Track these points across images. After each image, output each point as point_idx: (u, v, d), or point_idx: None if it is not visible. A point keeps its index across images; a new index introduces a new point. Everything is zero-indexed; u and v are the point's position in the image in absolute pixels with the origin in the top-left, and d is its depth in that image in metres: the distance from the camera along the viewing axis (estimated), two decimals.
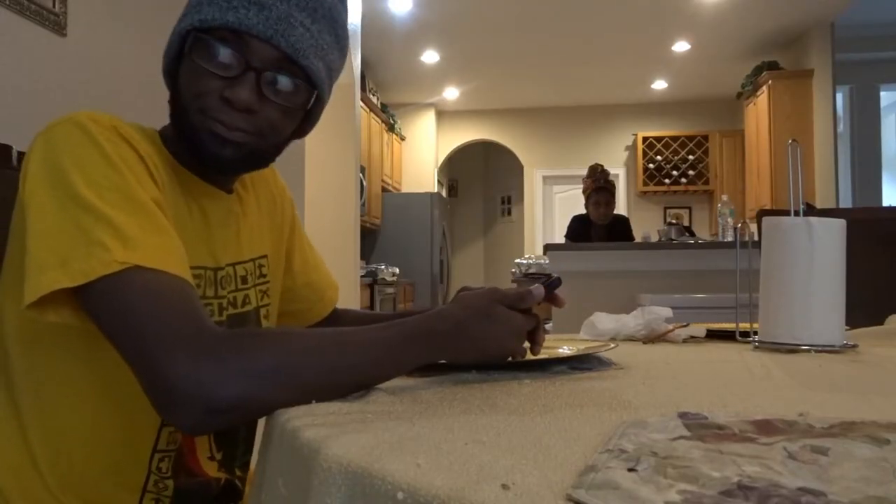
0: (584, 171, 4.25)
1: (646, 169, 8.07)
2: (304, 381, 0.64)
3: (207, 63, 0.78)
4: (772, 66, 6.17)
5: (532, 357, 0.81)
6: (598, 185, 4.09)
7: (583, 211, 4.24)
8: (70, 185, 0.68)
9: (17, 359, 0.77)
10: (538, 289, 0.77)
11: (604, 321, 1.20)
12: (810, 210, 2.83)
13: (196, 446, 0.85)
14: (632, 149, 8.29)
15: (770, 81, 6.00)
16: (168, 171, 0.81)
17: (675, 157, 8.01)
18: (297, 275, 1.05)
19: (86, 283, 0.64)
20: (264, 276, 0.96)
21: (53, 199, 0.68)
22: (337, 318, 1.12)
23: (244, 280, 0.91)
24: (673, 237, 4.16)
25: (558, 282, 0.82)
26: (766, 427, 0.48)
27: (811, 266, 1.01)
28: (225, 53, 0.77)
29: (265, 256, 0.96)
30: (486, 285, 1.01)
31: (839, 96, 6.46)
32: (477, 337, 0.71)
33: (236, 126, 0.79)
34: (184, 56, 0.80)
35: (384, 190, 7.18)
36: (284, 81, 0.80)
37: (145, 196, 0.71)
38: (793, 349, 1.01)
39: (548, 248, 3.59)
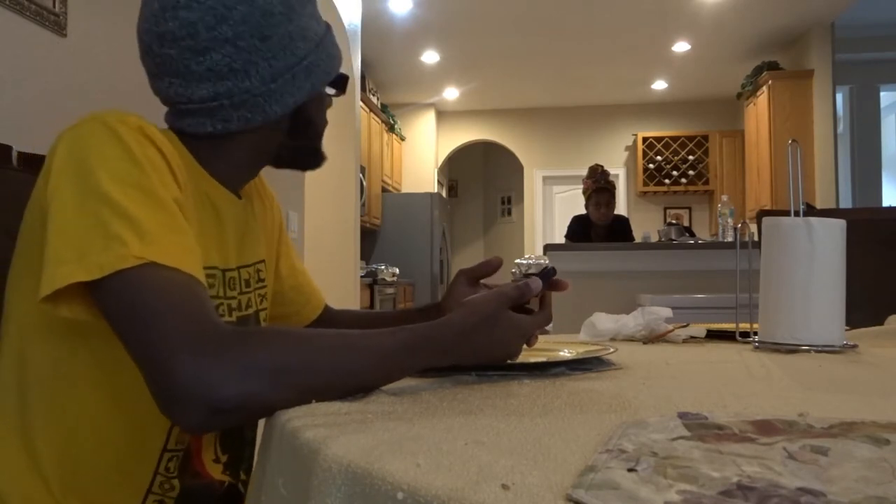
0: (585, 172, 4.25)
1: (646, 169, 8.06)
2: (309, 381, 0.64)
3: (339, 98, 0.98)
4: (772, 66, 6.17)
5: (532, 360, 0.81)
6: (599, 185, 4.08)
7: (583, 211, 4.24)
8: (94, 180, 0.68)
9: (26, 358, 0.77)
10: (535, 281, 0.78)
11: (604, 321, 1.20)
12: (810, 210, 2.83)
13: (202, 447, 0.85)
14: (632, 149, 8.29)
15: (770, 82, 6.00)
16: (188, 172, 0.82)
17: (675, 158, 8.01)
18: (285, 278, 1.07)
19: (100, 278, 0.64)
20: (262, 280, 0.97)
21: (76, 194, 0.68)
22: (332, 318, 1.13)
23: (247, 283, 0.93)
24: (673, 237, 4.16)
25: (553, 271, 0.82)
26: (766, 427, 0.48)
27: (811, 266, 1.01)
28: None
29: (262, 261, 0.98)
30: (486, 282, 1.02)
31: (839, 96, 6.47)
32: (483, 343, 0.73)
33: None
34: (312, 93, 0.90)
35: (384, 190, 7.18)
36: None
37: (167, 195, 0.72)
38: (793, 349, 1.01)
39: (548, 248, 3.59)
